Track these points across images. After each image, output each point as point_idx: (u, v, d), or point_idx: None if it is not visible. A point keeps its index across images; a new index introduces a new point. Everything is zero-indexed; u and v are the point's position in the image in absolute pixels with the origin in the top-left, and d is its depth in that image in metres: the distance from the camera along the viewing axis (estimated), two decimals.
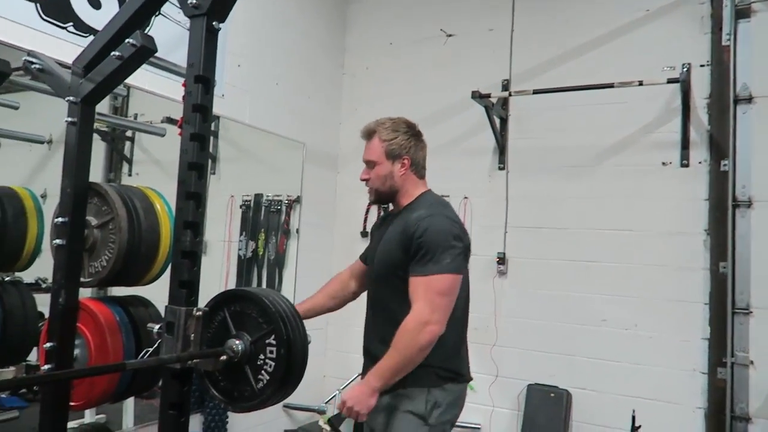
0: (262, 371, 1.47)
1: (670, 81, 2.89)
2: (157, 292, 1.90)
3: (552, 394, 3.24)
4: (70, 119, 1.62)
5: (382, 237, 2.01)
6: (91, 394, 1.69)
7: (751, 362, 2.89)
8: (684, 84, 2.80)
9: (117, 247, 1.67)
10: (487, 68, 3.68)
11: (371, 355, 1.97)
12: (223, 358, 1.44)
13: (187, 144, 1.48)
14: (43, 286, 2.77)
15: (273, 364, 1.45)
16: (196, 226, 1.48)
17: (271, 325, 1.45)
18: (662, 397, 3.08)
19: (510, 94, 3.21)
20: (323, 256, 4.16)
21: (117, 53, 1.49)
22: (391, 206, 2.12)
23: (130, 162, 3.16)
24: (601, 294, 3.27)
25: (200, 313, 1.42)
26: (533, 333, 3.40)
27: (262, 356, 1.45)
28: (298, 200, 3.98)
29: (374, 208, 4.08)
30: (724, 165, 3.01)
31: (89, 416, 2.66)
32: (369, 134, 2.00)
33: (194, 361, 1.38)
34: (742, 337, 2.91)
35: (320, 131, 4.10)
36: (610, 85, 2.92)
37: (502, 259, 3.44)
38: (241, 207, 3.82)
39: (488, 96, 3.27)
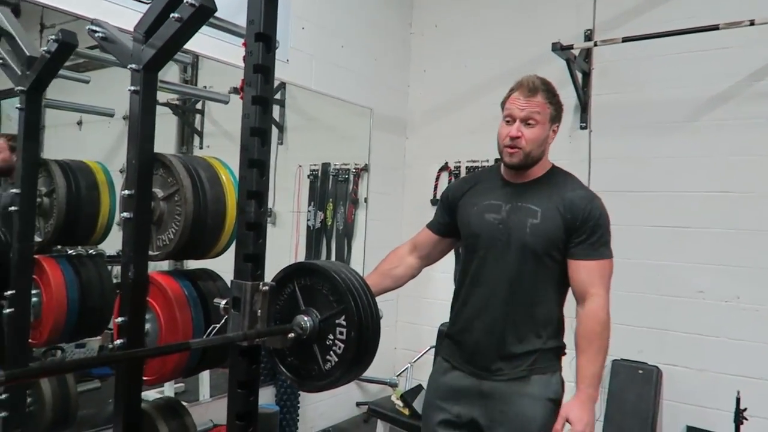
0: (331, 351, 1.38)
1: None
2: (229, 265, 1.86)
3: (640, 371, 3.02)
4: (133, 88, 1.56)
5: (506, 206, 1.77)
6: (163, 370, 1.67)
7: None
8: None
9: (183, 219, 1.63)
10: (567, 18, 3.39)
11: (494, 346, 1.75)
12: (291, 335, 1.35)
13: (249, 108, 1.38)
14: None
15: (342, 345, 1.36)
16: (261, 196, 1.39)
17: (342, 305, 1.35)
18: (767, 375, 2.79)
19: (595, 44, 2.92)
20: (393, 225, 4.06)
21: (176, 15, 1.40)
22: (503, 172, 1.86)
23: (201, 135, 3.16)
24: (698, 263, 2.99)
25: (267, 288, 1.34)
26: (619, 305, 3.06)
27: (331, 336, 1.36)
28: (366, 168, 3.88)
29: (445, 175, 3.92)
30: None
31: (168, 386, 2.72)
32: (534, 89, 1.73)
33: (262, 338, 1.30)
34: None
35: (388, 95, 3.96)
36: (715, 27, 2.58)
37: None
38: (309, 177, 3.77)
39: (570, 47, 2.99)
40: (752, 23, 2.52)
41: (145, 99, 1.58)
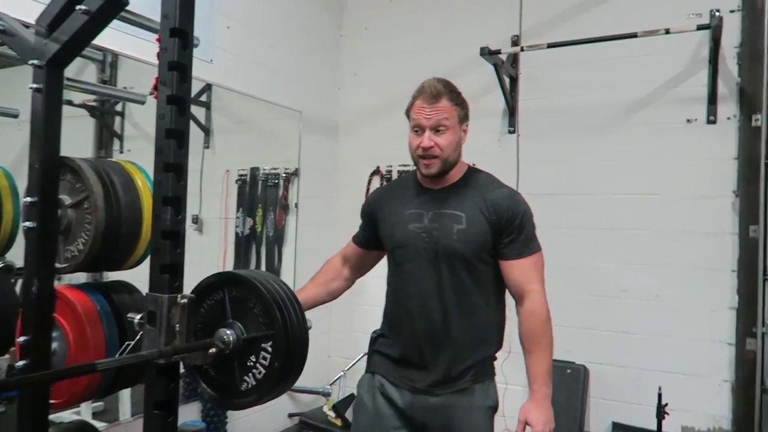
0: (251, 373, 1.30)
1: (700, 27, 2.65)
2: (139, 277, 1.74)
3: (568, 370, 3.09)
4: (35, 85, 1.44)
5: (428, 214, 1.74)
6: (73, 391, 1.54)
7: None
8: (715, 30, 2.56)
9: (93, 228, 1.51)
10: (495, 24, 3.44)
11: (434, 362, 1.72)
12: (213, 350, 1.27)
13: (164, 108, 1.29)
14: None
15: (263, 370, 1.29)
16: (178, 202, 1.29)
17: (271, 330, 1.27)
18: (686, 370, 2.93)
19: (522, 49, 2.97)
20: (325, 230, 3.98)
21: (83, 7, 1.30)
22: (419, 179, 1.84)
23: (121, 138, 2.97)
24: (621, 263, 3.10)
25: (186, 300, 1.26)
26: None
27: (253, 358, 1.29)
28: (296, 173, 3.79)
29: (376, 179, 3.89)
30: (756, 120, 2.79)
31: (85, 407, 2.53)
32: (437, 95, 1.69)
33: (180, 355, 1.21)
34: None
35: (318, 98, 3.88)
36: (633, 35, 2.68)
37: None
38: (237, 182, 3.64)
39: (498, 52, 3.03)
40: (667, 32, 2.64)
41: (49, 97, 1.46)
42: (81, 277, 1.90)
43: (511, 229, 1.69)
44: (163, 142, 1.30)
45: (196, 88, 3.10)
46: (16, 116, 2.42)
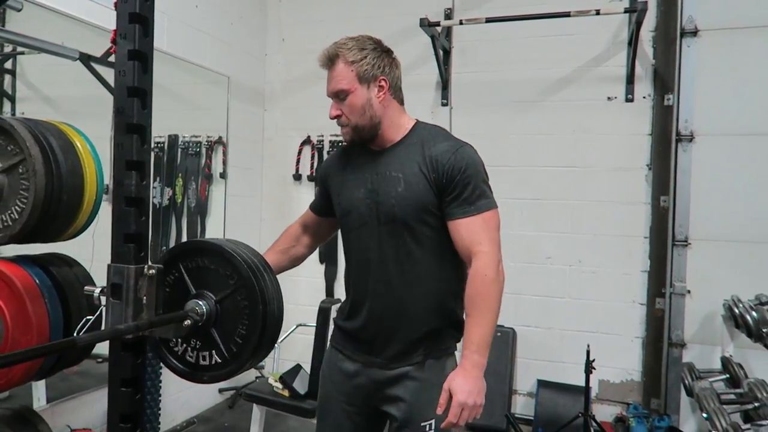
0: (235, 334, 1.25)
1: (628, 11, 2.82)
2: (75, 249, 1.60)
3: (498, 333, 3.25)
4: None
5: (370, 177, 1.62)
6: (11, 375, 1.40)
7: (688, 291, 3.02)
8: (640, 14, 2.73)
9: (32, 196, 1.36)
10: None
11: (385, 334, 1.61)
12: (188, 322, 1.20)
13: (126, 64, 1.19)
14: None
15: (246, 323, 1.24)
16: (142, 167, 1.21)
17: (240, 280, 1.23)
18: (603, 329, 3.18)
19: (461, 22, 3.00)
20: (254, 201, 3.87)
21: None
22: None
23: (12, 100, 2.68)
24: (547, 232, 3.27)
25: (153, 271, 1.18)
26: None
27: (232, 317, 1.24)
28: (220, 141, 3.64)
29: (307, 149, 3.82)
30: (668, 99, 3.04)
31: None
32: (331, 59, 1.57)
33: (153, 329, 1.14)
34: (680, 269, 3.03)
35: (245, 63, 3.73)
36: (567, 14, 2.80)
37: None
38: (153, 149, 3.42)
39: (437, 24, 3.05)
40: (598, 12, 2.78)
41: None
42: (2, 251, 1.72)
43: (453, 185, 1.51)
44: (125, 101, 1.20)
45: (105, 45, 2.87)
46: None
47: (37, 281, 1.43)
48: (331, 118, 1.61)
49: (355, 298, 1.67)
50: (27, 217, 1.35)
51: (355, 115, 1.57)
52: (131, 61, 1.18)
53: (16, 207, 1.37)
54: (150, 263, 1.20)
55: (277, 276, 1.41)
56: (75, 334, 1.25)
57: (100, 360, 2.95)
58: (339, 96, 1.57)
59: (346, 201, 1.66)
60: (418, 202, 1.54)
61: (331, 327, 1.92)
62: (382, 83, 1.59)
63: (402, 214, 1.55)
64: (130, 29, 1.18)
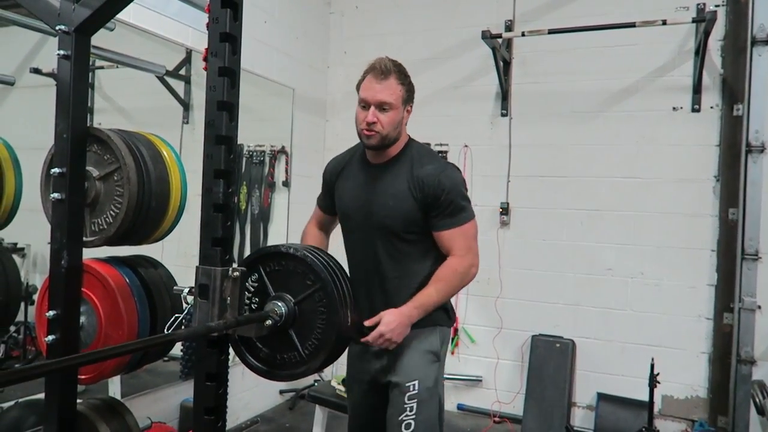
0: (311, 335, 1.32)
1: (695, 20, 2.77)
2: (156, 251, 1.72)
3: (557, 344, 3.22)
4: (62, 52, 1.40)
5: (366, 189, 1.85)
6: (102, 368, 1.52)
7: (759, 307, 2.91)
8: (708, 24, 2.67)
9: (126, 201, 1.47)
10: (487, 8, 3.48)
11: (378, 309, 1.80)
12: (269, 322, 1.28)
13: (216, 80, 1.28)
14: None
15: (323, 325, 1.31)
16: (230, 175, 1.30)
17: (318, 283, 1.30)
18: (667, 343, 3.10)
19: (523, 34, 3.02)
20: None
21: None
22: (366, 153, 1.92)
23: (91, 111, 2.86)
24: (607, 243, 3.23)
25: (237, 273, 1.26)
26: (537, 284, 3.35)
27: (309, 317, 1.31)
28: (283, 150, 3.76)
29: None
30: (737, 109, 2.95)
31: None
32: (386, 73, 1.75)
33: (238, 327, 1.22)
34: (750, 283, 2.92)
35: (309, 76, 3.85)
36: (632, 25, 2.78)
37: (505, 210, 3.34)
38: None
39: (498, 36, 3.07)
40: (664, 23, 2.74)
41: (78, 65, 1.43)
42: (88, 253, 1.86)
43: (437, 204, 1.76)
44: (214, 114, 1.29)
45: (176, 59, 3.04)
46: (12, 83, 2.33)
47: (128, 281, 1.55)
48: (367, 122, 1.75)
49: (358, 289, 1.82)
50: (121, 221, 1.46)
51: (389, 128, 1.76)
52: (221, 77, 1.27)
53: (111, 212, 1.49)
54: (234, 266, 1.28)
55: None
56: (165, 331, 1.34)
57: (166, 359, 3.11)
58: (383, 107, 1.75)
59: (345, 207, 1.91)
60: (405, 216, 1.78)
61: None
62: (409, 109, 1.83)
63: (391, 224, 1.80)
64: (220, 47, 1.27)
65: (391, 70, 1.75)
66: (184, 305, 1.45)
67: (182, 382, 2.87)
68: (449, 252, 1.79)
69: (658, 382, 2.52)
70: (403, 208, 1.78)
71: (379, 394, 1.85)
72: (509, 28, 3.37)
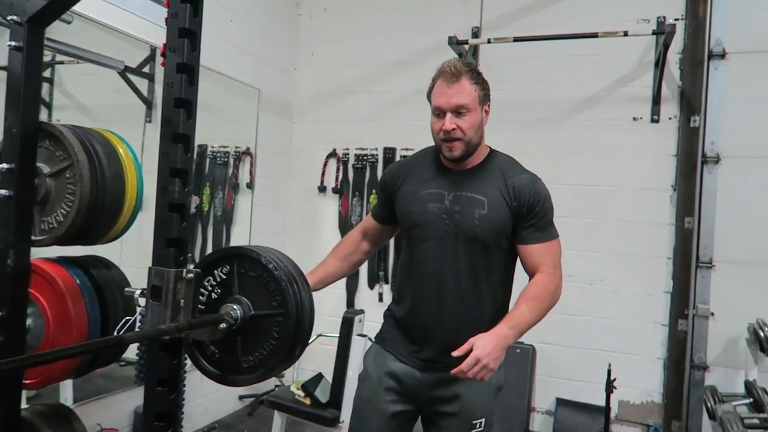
0: (267, 340, 1.29)
1: (655, 33, 2.85)
2: (109, 252, 1.66)
3: (518, 350, 3.25)
4: (13, 43, 1.35)
5: (449, 195, 1.69)
6: (50, 371, 1.46)
7: (712, 314, 3.00)
8: (668, 36, 2.75)
9: (77, 200, 1.42)
10: (454, 15, 3.51)
11: (443, 339, 1.67)
12: (223, 326, 1.25)
13: (173, 76, 1.25)
14: None
15: (279, 330, 1.28)
16: (185, 174, 1.26)
17: (283, 308, 1.26)
18: (624, 349, 3.16)
19: (489, 41, 3.05)
20: (278, 211, 3.93)
21: None
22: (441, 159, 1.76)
23: (49, 107, 2.78)
24: (569, 249, 3.21)
25: (192, 275, 1.22)
26: None
27: (260, 331, 1.28)
28: (247, 152, 3.72)
29: (333, 162, 3.88)
30: (694, 121, 3.04)
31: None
32: (458, 74, 1.62)
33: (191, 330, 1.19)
34: (704, 290, 3.01)
35: (275, 77, 3.82)
36: (594, 35, 2.83)
37: None
38: None
39: (465, 42, 3.10)
40: (626, 34, 2.81)
41: (30, 57, 1.38)
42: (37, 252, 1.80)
43: (532, 215, 1.66)
44: (171, 111, 1.25)
45: (140, 56, 2.97)
46: None
47: (78, 282, 1.49)
48: (446, 131, 1.63)
49: (415, 304, 1.73)
50: (72, 220, 1.41)
51: (470, 132, 1.64)
52: (179, 73, 1.24)
53: (62, 210, 1.44)
54: (189, 267, 1.25)
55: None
56: (115, 333, 1.30)
57: (123, 363, 3.03)
58: (459, 111, 1.63)
59: (418, 214, 1.71)
60: (498, 225, 1.64)
61: (355, 340, 1.97)
62: (488, 108, 1.72)
63: (483, 234, 1.64)
64: (179, 43, 1.23)
65: (461, 70, 1.63)
66: (137, 307, 1.40)
67: (137, 387, 2.80)
68: (536, 269, 1.66)
69: (615, 388, 2.57)
70: (497, 216, 1.64)
71: (405, 425, 1.75)
72: (476, 34, 3.41)
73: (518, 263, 1.74)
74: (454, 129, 1.62)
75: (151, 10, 2.66)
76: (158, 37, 2.80)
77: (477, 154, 1.71)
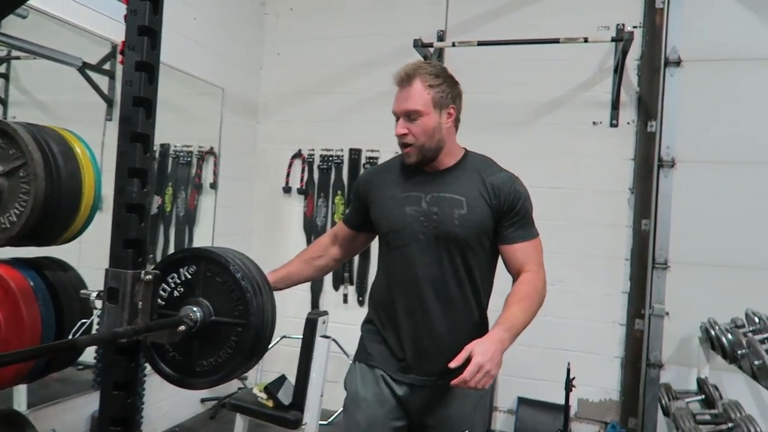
0: (227, 342, 1.28)
1: (614, 40, 2.93)
2: (65, 253, 1.62)
3: None
4: None
5: (426, 196, 1.65)
6: (1, 375, 1.41)
7: (667, 313, 3.10)
8: (626, 44, 2.84)
9: (32, 199, 1.38)
10: (421, 17, 3.54)
11: (430, 348, 1.63)
12: (182, 328, 1.23)
13: (132, 74, 1.23)
14: None
15: (239, 331, 1.27)
16: (144, 174, 1.24)
17: (244, 320, 1.25)
18: (584, 348, 3.24)
19: (453, 44, 3.09)
20: (243, 212, 3.89)
21: None
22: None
23: (5, 104, 2.70)
24: None
25: (150, 276, 1.21)
26: None
27: (219, 337, 1.27)
28: (211, 151, 3.67)
29: (298, 162, 3.86)
30: (651, 126, 3.14)
31: None
32: (408, 78, 1.60)
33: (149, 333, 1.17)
34: (660, 291, 3.11)
35: (240, 76, 3.77)
36: (556, 41, 2.90)
37: None
38: None
39: (430, 45, 3.13)
40: (586, 40, 2.88)
41: None
42: None
43: (513, 213, 1.63)
44: (130, 110, 1.24)
45: (101, 53, 2.91)
46: None
47: (32, 284, 1.45)
48: (397, 136, 1.63)
49: (400, 314, 1.67)
50: (26, 219, 1.37)
51: (423, 137, 1.61)
52: (138, 72, 1.22)
53: (15, 210, 1.39)
54: (147, 269, 1.23)
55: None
56: (71, 336, 1.27)
57: (80, 367, 2.95)
58: (410, 116, 1.61)
59: (395, 218, 1.68)
60: (479, 224, 1.61)
61: (318, 341, 1.93)
62: (451, 111, 1.65)
63: (464, 234, 1.61)
64: (138, 41, 1.22)
65: (413, 74, 1.61)
66: (94, 310, 1.37)
67: (94, 391, 2.73)
68: (522, 268, 1.62)
69: (574, 386, 2.62)
70: (478, 215, 1.61)
71: None
72: (441, 38, 3.44)
73: (500, 263, 1.72)
74: (405, 134, 1.62)
75: (112, 6, 2.60)
76: (119, 33, 2.75)
77: (449, 156, 1.68)
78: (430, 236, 1.63)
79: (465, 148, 1.76)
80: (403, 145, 1.64)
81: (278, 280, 1.76)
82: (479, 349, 1.41)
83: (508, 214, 1.63)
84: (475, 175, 1.65)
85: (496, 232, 1.64)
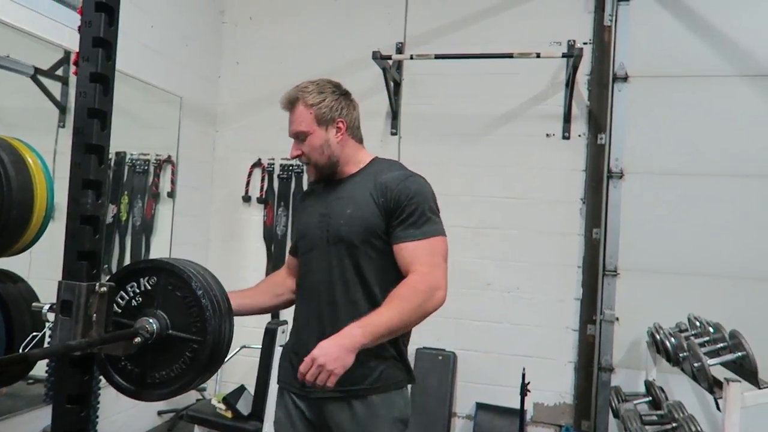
0: (183, 354, 1.28)
1: (565, 55, 3.04)
2: (15, 265, 1.59)
3: (440, 357, 3.34)
4: None
5: (326, 203, 1.69)
6: None
7: (617, 319, 3.22)
8: (576, 59, 2.95)
9: None
10: (380, 29, 3.60)
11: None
12: (138, 340, 1.23)
13: (87, 86, 1.23)
14: None
15: (197, 341, 1.27)
16: (99, 186, 1.24)
17: (200, 336, 1.24)
18: (539, 353, 3.33)
19: (411, 57, 3.16)
20: (201, 221, 3.85)
21: None
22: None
23: None
24: (488, 259, 3.42)
25: (105, 289, 1.20)
26: None
27: (172, 353, 1.26)
28: (169, 160, 3.62)
29: (258, 171, 3.85)
30: (601, 138, 3.27)
31: None
32: (291, 102, 1.67)
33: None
34: (610, 297, 3.23)
35: (198, 85, 3.75)
36: (509, 55, 2.99)
37: None
38: None
39: (388, 57, 3.18)
40: (538, 55, 2.99)
41: None
42: None
43: (400, 210, 1.56)
44: (84, 121, 1.23)
45: (53, 58, 2.85)
46: None
47: None
48: (292, 158, 1.71)
49: (301, 325, 1.67)
50: None
51: (314, 155, 1.67)
52: (93, 83, 1.22)
53: None
54: (102, 281, 1.22)
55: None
56: (21, 350, 1.25)
57: (31, 381, 2.87)
58: (299, 137, 1.68)
59: (302, 226, 1.76)
60: (365, 222, 1.58)
61: (278, 351, 1.88)
62: (340, 125, 1.67)
63: (348, 233, 1.59)
64: (93, 53, 1.22)
65: (294, 98, 1.67)
66: (46, 323, 1.35)
67: (46, 405, 2.66)
68: (408, 268, 1.53)
69: (529, 391, 2.70)
70: (363, 214, 1.59)
71: None
72: (399, 50, 3.51)
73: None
74: (298, 155, 1.70)
75: (63, 12, 2.57)
76: (71, 40, 2.71)
77: (350, 165, 1.70)
78: (324, 240, 1.65)
79: (376, 156, 1.76)
80: (305, 165, 1.74)
81: (240, 307, 1.67)
82: (319, 345, 1.40)
83: (395, 212, 1.57)
84: (370, 178, 1.65)
85: (389, 233, 1.59)
